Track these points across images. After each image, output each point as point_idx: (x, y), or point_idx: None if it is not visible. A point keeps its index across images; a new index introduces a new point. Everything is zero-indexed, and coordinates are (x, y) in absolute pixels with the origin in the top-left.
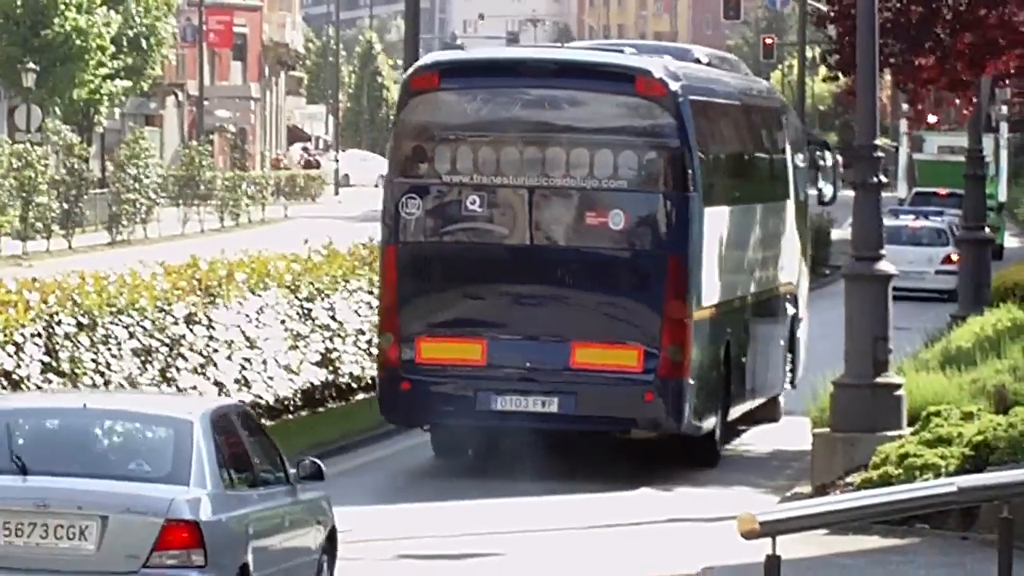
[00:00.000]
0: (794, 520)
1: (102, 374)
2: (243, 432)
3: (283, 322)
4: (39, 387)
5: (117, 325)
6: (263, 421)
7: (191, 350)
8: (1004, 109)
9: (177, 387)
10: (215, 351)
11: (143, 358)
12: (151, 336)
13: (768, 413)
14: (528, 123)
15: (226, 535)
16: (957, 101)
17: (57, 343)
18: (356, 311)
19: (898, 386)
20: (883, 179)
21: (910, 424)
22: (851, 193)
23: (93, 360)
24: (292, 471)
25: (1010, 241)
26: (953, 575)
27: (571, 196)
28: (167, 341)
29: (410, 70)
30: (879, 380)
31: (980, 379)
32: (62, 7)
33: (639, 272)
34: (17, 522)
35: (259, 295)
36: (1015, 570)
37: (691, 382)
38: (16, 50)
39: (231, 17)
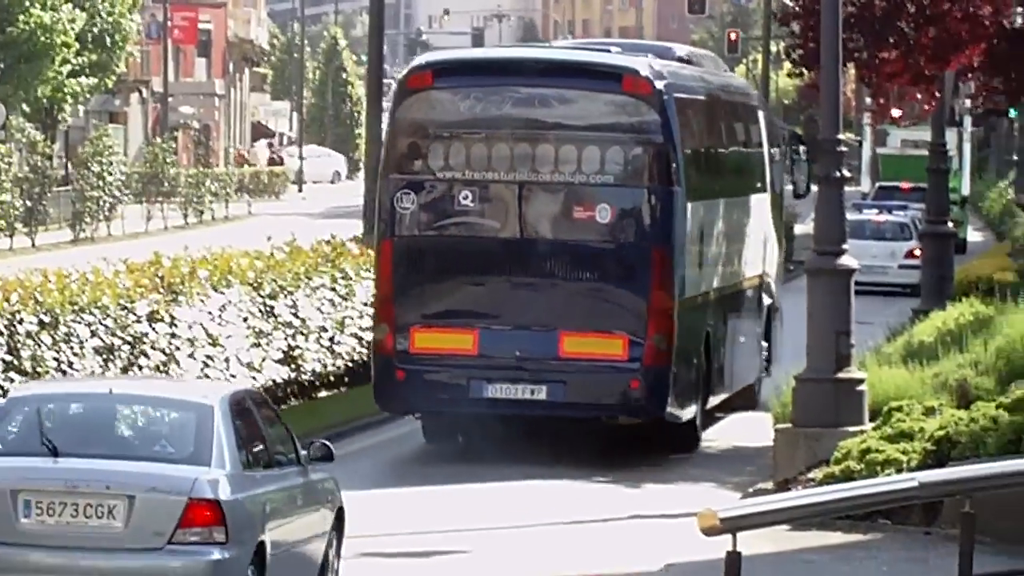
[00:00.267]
0: (754, 516)
1: (64, 373)
2: (258, 416)
3: (245, 319)
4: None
5: (79, 323)
6: None
7: (153, 348)
8: (967, 103)
9: None
10: (177, 349)
11: (105, 356)
12: (113, 334)
13: (747, 401)
14: (519, 120)
15: (245, 513)
16: (919, 96)
17: (19, 341)
18: (319, 308)
19: (860, 381)
20: (846, 173)
21: (872, 419)
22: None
23: (55, 358)
24: (303, 453)
25: (973, 235)
26: (916, 570)
27: (560, 191)
28: (129, 339)
29: (405, 70)
30: (841, 375)
31: (942, 373)
32: (27, 4)
33: (625, 264)
34: (49, 502)
35: (222, 292)
36: (976, 564)
37: (675, 370)
38: None
39: (196, 13)
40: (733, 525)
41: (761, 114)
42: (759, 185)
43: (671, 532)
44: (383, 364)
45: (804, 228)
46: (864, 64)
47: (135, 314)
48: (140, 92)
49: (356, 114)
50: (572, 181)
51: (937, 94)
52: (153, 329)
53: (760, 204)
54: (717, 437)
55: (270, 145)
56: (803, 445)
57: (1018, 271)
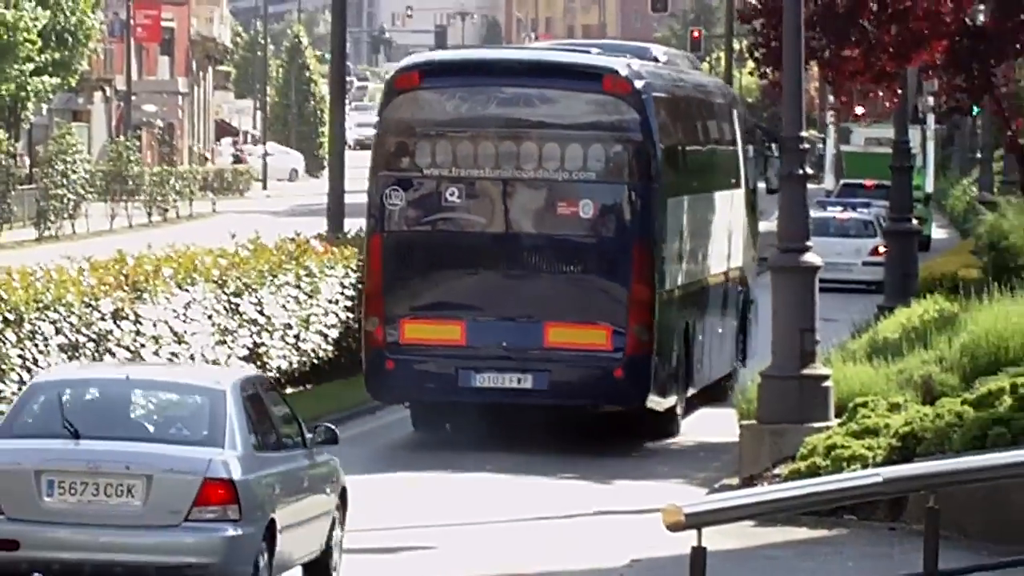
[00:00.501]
0: (719, 512)
1: (29, 370)
2: (267, 400)
3: (210, 317)
4: None
5: (44, 321)
6: None
7: (118, 345)
8: (931, 101)
9: None
10: (142, 346)
11: (70, 354)
12: (78, 332)
13: (721, 392)
14: (503, 119)
15: (257, 493)
16: (880, 93)
17: None
18: (284, 306)
19: (825, 377)
20: (809, 171)
21: (837, 415)
22: None
23: (20, 356)
24: (309, 436)
25: (937, 232)
26: (881, 566)
27: (543, 187)
28: (94, 337)
29: (394, 70)
30: (806, 371)
31: (907, 370)
32: None
33: (607, 257)
34: (71, 481)
35: (186, 290)
36: (942, 560)
37: (656, 359)
38: None
39: (158, 11)
40: (698, 521)
41: (735, 112)
42: (734, 181)
43: (636, 528)
44: (374, 355)
45: (768, 225)
46: (826, 63)
47: (100, 312)
48: (104, 90)
49: (320, 112)
50: (555, 178)
51: (899, 91)
52: (118, 327)
53: (735, 200)
54: (684, 433)
55: (234, 143)
56: (768, 441)
57: (982, 268)
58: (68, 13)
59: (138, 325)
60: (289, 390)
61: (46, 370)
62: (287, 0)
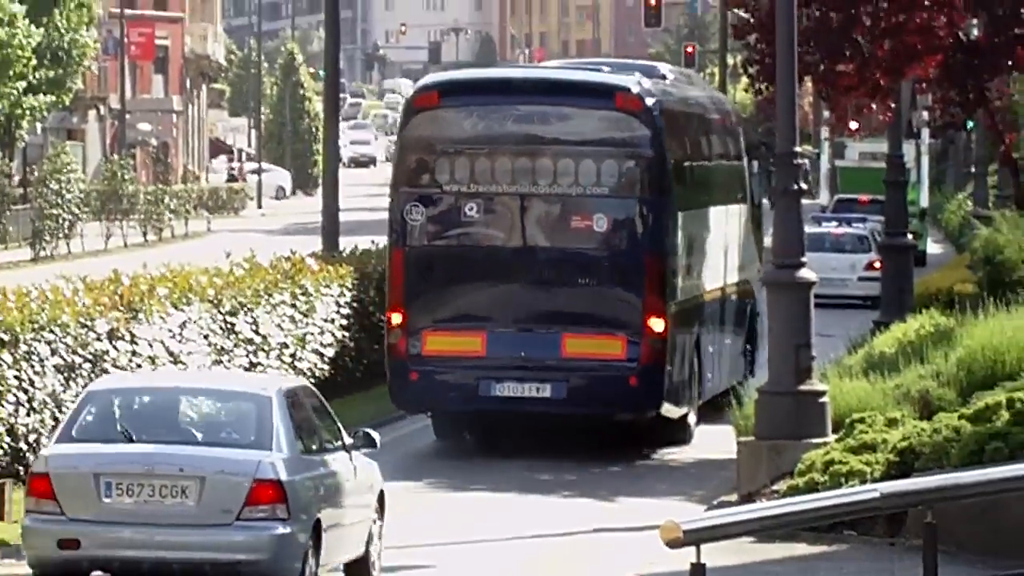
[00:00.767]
0: (718, 528)
1: (25, 391)
2: (309, 406)
3: (206, 337)
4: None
5: (39, 341)
6: None
7: (114, 366)
8: (925, 115)
9: None
10: (138, 367)
11: (66, 374)
12: (74, 352)
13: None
14: (519, 136)
15: (303, 493)
16: (874, 107)
17: None
18: (279, 325)
19: (822, 393)
20: (804, 186)
21: (835, 431)
22: None
23: (16, 377)
24: (349, 441)
25: (932, 247)
26: None
27: (558, 202)
28: (90, 357)
29: (412, 91)
30: (803, 387)
31: (904, 385)
32: None
33: (621, 269)
34: (128, 483)
35: (182, 310)
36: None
37: (669, 368)
38: None
39: (153, 29)
40: (696, 537)
41: (740, 128)
42: (740, 195)
43: (636, 545)
44: (397, 366)
45: (770, 240)
46: (821, 77)
47: (95, 332)
48: (98, 109)
49: (314, 129)
50: (570, 193)
51: (893, 106)
52: (114, 347)
53: (741, 213)
54: (682, 450)
55: (229, 160)
56: (766, 458)
57: (977, 283)
58: (62, 31)
59: (134, 345)
60: None
61: (101, 378)
62: (281, 18)
